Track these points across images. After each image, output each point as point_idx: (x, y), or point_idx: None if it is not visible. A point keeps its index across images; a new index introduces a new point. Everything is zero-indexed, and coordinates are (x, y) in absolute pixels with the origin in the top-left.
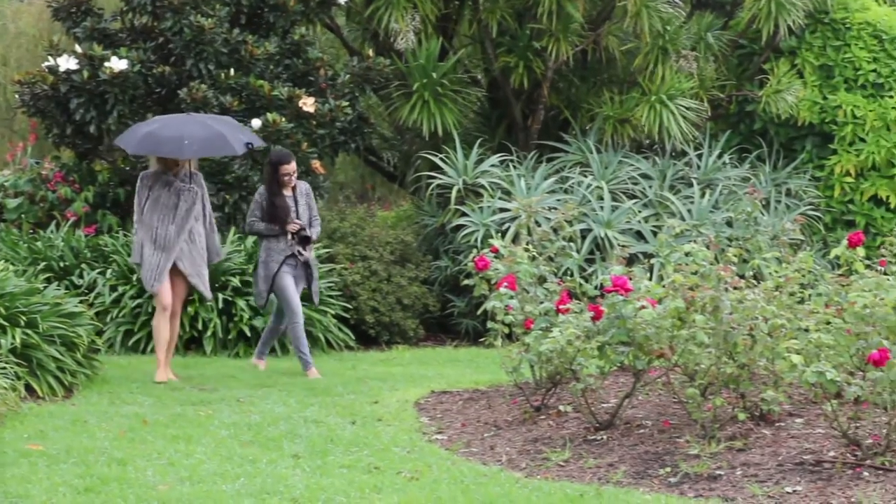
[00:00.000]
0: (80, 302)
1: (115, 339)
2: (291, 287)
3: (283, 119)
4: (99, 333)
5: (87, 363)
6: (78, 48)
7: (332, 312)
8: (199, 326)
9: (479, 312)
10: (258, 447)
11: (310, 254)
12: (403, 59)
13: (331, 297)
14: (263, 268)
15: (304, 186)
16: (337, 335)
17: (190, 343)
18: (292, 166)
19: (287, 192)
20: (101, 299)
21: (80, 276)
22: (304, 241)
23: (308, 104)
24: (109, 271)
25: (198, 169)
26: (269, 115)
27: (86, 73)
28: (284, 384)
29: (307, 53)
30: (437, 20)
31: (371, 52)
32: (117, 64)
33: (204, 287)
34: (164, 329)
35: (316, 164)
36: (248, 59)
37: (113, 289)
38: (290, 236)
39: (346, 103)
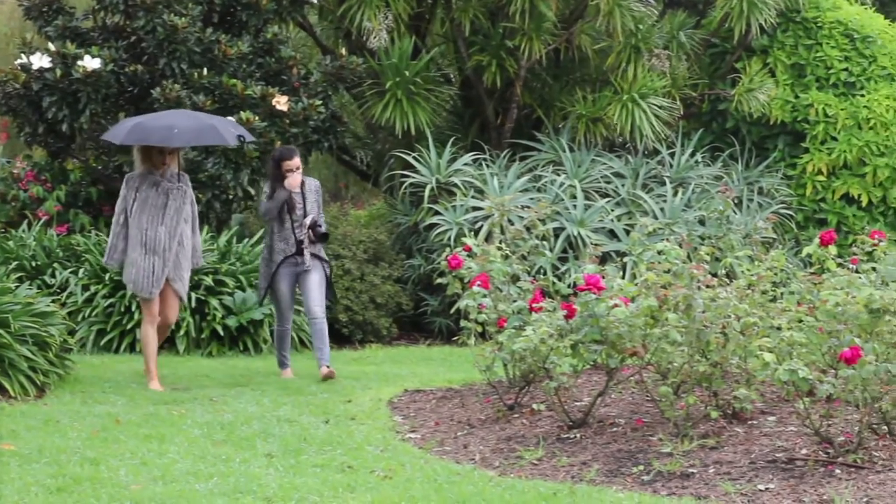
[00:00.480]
0: (53, 301)
1: (88, 338)
2: (285, 293)
3: (257, 118)
4: (71, 333)
5: (60, 363)
6: (51, 46)
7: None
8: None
9: (452, 311)
10: (231, 446)
11: (317, 251)
12: (376, 58)
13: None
14: (265, 265)
15: (313, 183)
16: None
17: (163, 342)
18: (295, 162)
19: (294, 189)
20: (74, 299)
21: (53, 276)
22: (322, 236)
23: (281, 103)
24: (82, 270)
25: (183, 170)
26: (243, 114)
27: (58, 72)
28: (258, 383)
29: (280, 52)
30: (410, 19)
31: (344, 51)
32: (90, 63)
33: (183, 290)
34: (153, 338)
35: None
36: (221, 58)
37: (85, 288)
38: (301, 231)
39: (319, 102)
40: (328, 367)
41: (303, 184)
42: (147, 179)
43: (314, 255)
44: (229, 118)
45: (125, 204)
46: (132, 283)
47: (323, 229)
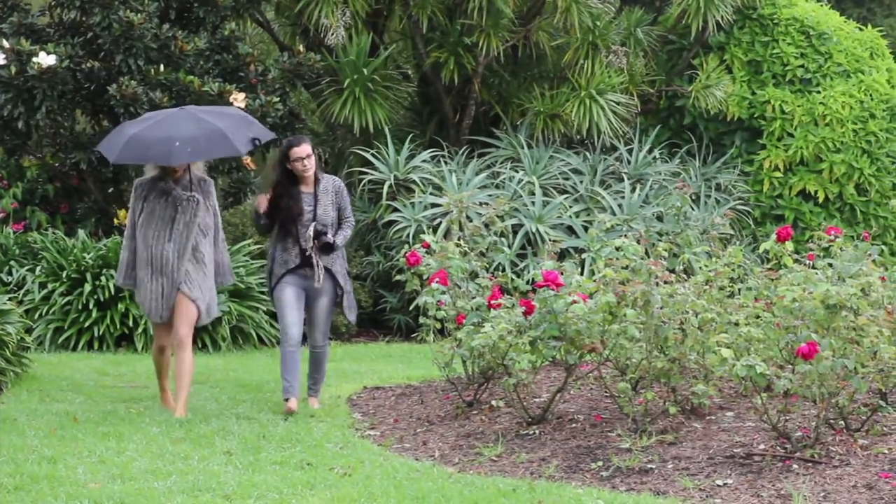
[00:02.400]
0: (9, 299)
1: (45, 336)
2: (288, 302)
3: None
4: (28, 331)
5: (17, 361)
6: (5, 43)
7: (264, 308)
8: (130, 323)
9: (411, 308)
10: (190, 444)
11: (336, 263)
12: (334, 55)
13: (262, 292)
14: (267, 278)
15: (332, 182)
16: (269, 331)
17: (121, 340)
18: (304, 149)
19: (305, 188)
20: (31, 297)
21: (9, 274)
22: (326, 248)
23: (238, 100)
24: (38, 268)
25: (205, 173)
26: None
27: (13, 69)
28: (216, 380)
29: (237, 49)
30: (368, 16)
31: (301, 48)
32: (45, 59)
33: (201, 298)
34: (159, 361)
35: (246, 159)
36: (178, 54)
37: (42, 286)
38: (304, 242)
39: (277, 99)
40: (317, 398)
41: (316, 181)
42: (156, 187)
43: (326, 271)
44: (239, 109)
45: (133, 216)
46: (141, 304)
47: (329, 238)
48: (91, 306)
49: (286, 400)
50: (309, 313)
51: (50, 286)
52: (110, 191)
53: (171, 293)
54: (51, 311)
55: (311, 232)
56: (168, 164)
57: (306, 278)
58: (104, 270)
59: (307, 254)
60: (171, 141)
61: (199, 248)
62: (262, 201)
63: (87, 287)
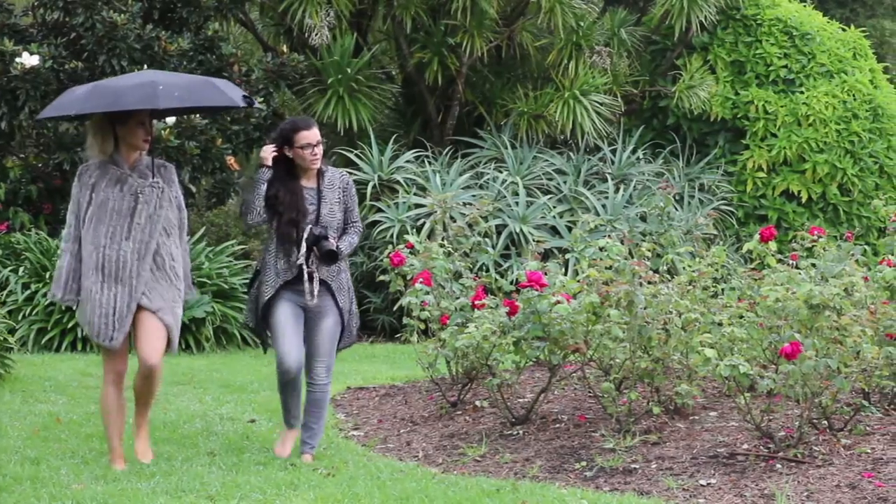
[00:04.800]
0: None
1: (28, 337)
2: (284, 324)
3: (197, 115)
4: (11, 332)
5: (0, 362)
6: None
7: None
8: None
9: (395, 308)
10: (173, 445)
11: (339, 277)
12: (318, 55)
13: (246, 293)
14: (256, 290)
15: (338, 177)
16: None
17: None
18: (314, 133)
19: (306, 182)
20: (14, 297)
21: None
22: (329, 256)
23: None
24: (22, 269)
25: (163, 159)
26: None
27: None
28: (200, 381)
29: (221, 49)
30: (352, 16)
31: (285, 48)
32: (29, 59)
33: (171, 318)
34: (115, 404)
35: (231, 160)
36: (162, 54)
37: (25, 286)
38: (302, 249)
39: (261, 99)
40: (312, 454)
41: (320, 175)
42: (107, 173)
43: (324, 285)
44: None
45: (77, 210)
46: (87, 324)
47: (331, 245)
48: (75, 308)
49: (288, 430)
50: (309, 339)
51: (33, 287)
52: None
53: (127, 306)
54: (34, 312)
55: (305, 235)
56: (154, 106)
57: (303, 294)
58: None
59: (300, 262)
60: (154, 84)
61: (161, 250)
62: (267, 154)
63: None
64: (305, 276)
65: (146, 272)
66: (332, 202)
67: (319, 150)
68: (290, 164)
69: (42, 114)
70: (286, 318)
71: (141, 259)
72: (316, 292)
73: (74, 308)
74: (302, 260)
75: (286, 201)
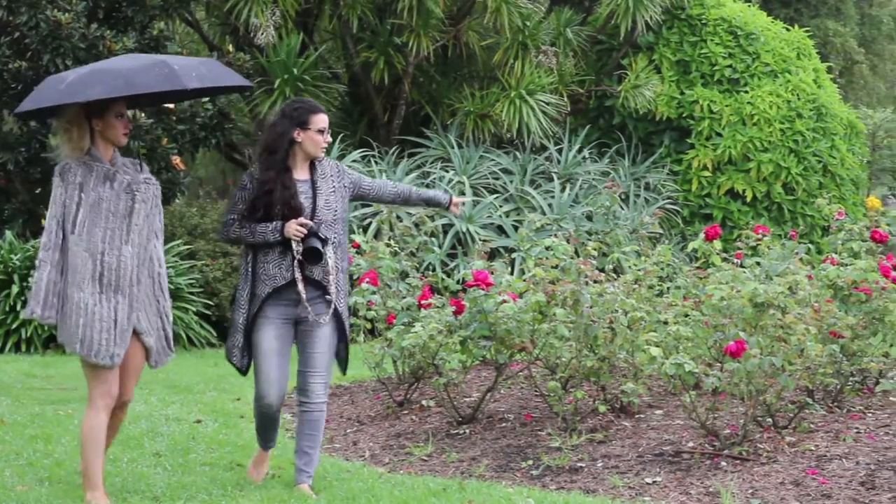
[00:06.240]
0: None
1: None
2: (270, 349)
3: (143, 115)
4: None
5: None
6: None
7: (194, 309)
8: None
9: None
10: (119, 446)
11: (331, 281)
12: (264, 55)
13: (192, 293)
14: (238, 306)
15: (329, 166)
16: (199, 332)
17: (49, 342)
18: (326, 117)
19: (299, 174)
20: None
21: None
22: (311, 255)
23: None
24: None
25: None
26: (129, 112)
27: None
28: (146, 382)
29: (166, 49)
30: (298, 15)
31: (231, 48)
32: None
33: (156, 351)
34: (104, 430)
35: (176, 159)
36: (107, 54)
37: None
38: (293, 248)
39: (206, 99)
40: (310, 485)
41: (312, 167)
42: (94, 170)
43: (319, 288)
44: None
45: (62, 213)
46: (80, 341)
47: (315, 243)
48: (19, 308)
49: (264, 449)
50: (303, 352)
51: None
52: (38, 191)
53: (128, 319)
54: None
55: (292, 229)
56: (179, 87)
57: (299, 303)
58: (32, 272)
59: (298, 259)
60: (166, 64)
61: (154, 256)
62: (293, 230)
63: (15, 289)
64: (298, 276)
65: (145, 278)
66: (327, 194)
67: (329, 136)
68: (284, 154)
69: (22, 107)
70: (273, 344)
71: (140, 264)
72: (304, 290)
73: (54, 324)
74: (299, 256)
75: (282, 197)
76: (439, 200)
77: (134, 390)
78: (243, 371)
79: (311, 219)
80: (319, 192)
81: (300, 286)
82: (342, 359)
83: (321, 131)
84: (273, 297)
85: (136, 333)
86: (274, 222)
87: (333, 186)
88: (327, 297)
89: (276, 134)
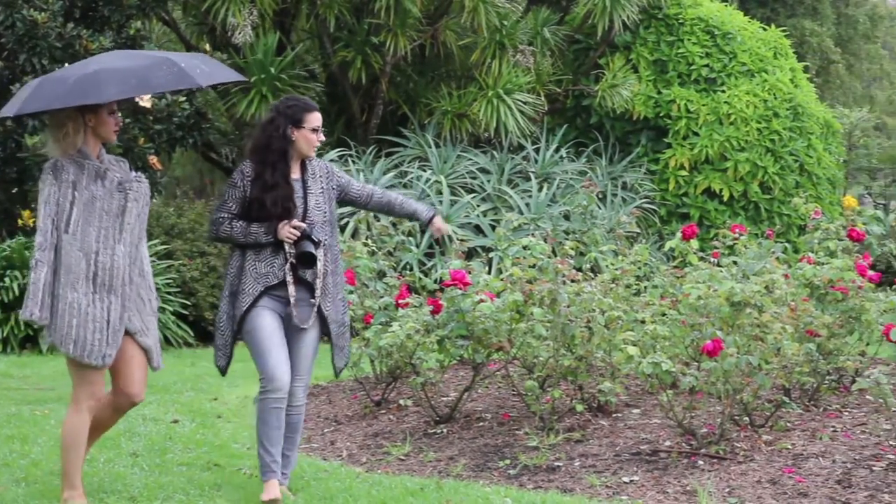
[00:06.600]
0: None
1: None
2: (270, 334)
3: (120, 114)
4: None
5: None
6: None
7: (171, 309)
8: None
9: None
10: (96, 446)
11: (327, 278)
12: (241, 54)
13: (169, 293)
14: (228, 305)
15: (318, 166)
16: (176, 332)
17: (25, 342)
18: (318, 117)
19: (292, 173)
20: None
21: None
22: (304, 259)
23: (144, 99)
24: None
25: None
26: None
27: None
28: None
29: (143, 48)
30: (275, 15)
31: (208, 47)
32: None
33: (157, 352)
34: (86, 433)
35: (153, 159)
36: (83, 53)
37: None
38: (286, 249)
39: (183, 98)
40: (287, 486)
41: (303, 168)
42: (85, 168)
43: (307, 292)
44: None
45: (56, 212)
46: (73, 342)
47: (308, 247)
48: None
49: (265, 481)
50: (290, 355)
51: None
52: (14, 191)
53: (120, 319)
54: None
55: (285, 231)
56: (193, 85)
57: (288, 303)
58: (8, 272)
59: (292, 260)
60: (173, 62)
61: (143, 256)
62: (286, 232)
63: None
64: (290, 279)
65: (136, 277)
66: (317, 194)
67: (321, 135)
68: (280, 152)
69: (24, 108)
70: (271, 329)
71: (132, 263)
72: (294, 292)
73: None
74: (291, 258)
75: (278, 197)
76: (420, 217)
77: (144, 388)
78: (223, 370)
79: (303, 220)
80: (310, 192)
81: (291, 289)
82: (339, 368)
83: (315, 130)
84: (265, 295)
85: (129, 334)
86: (267, 223)
87: (322, 187)
88: (312, 300)
89: (271, 131)
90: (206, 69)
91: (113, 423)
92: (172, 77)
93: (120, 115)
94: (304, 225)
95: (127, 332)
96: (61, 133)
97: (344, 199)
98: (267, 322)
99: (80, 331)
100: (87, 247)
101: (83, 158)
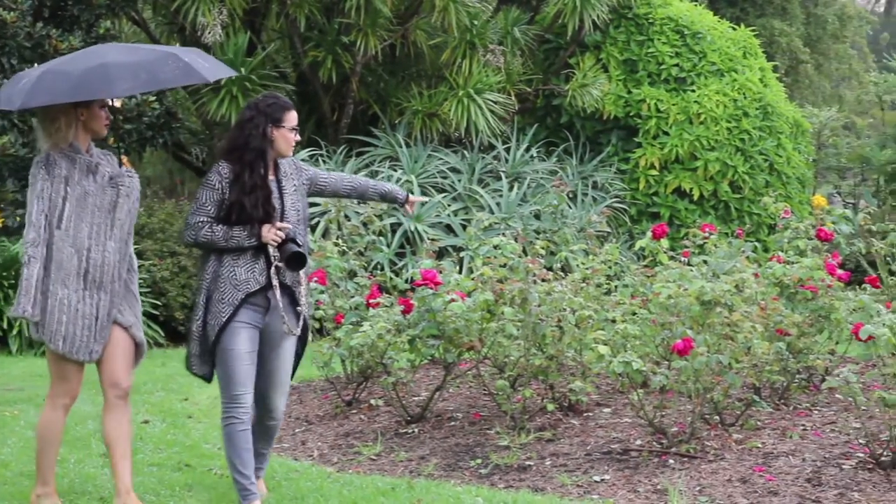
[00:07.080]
0: None
1: None
2: (242, 354)
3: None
4: None
5: None
6: None
7: (142, 309)
8: (5, 325)
9: None
10: (66, 447)
11: (303, 290)
12: (211, 54)
13: (143, 293)
14: (205, 312)
15: (288, 164)
16: (146, 332)
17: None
18: (296, 116)
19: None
20: None
21: None
22: (294, 260)
23: (114, 99)
24: None
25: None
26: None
27: None
28: (93, 382)
29: None
30: (245, 14)
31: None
32: None
33: (139, 331)
34: (59, 429)
35: (123, 159)
36: (53, 53)
37: None
38: (269, 253)
39: (154, 98)
40: (262, 478)
41: (276, 168)
42: (76, 163)
43: (287, 297)
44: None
45: (48, 207)
46: (62, 339)
47: (297, 248)
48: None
49: (249, 497)
50: (264, 365)
51: None
52: None
53: (108, 315)
54: None
55: (270, 235)
56: (200, 81)
57: (268, 311)
58: None
59: (276, 265)
60: (178, 57)
61: (130, 252)
62: (271, 235)
63: None
64: (276, 283)
65: (125, 274)
66: (291, 193)
67: (297, 134)
68: (258, 151)
69: (28, 102)
70: (245, 350)
71: (122, 259)
72: (279, 295)
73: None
74: (276, 262)
75: (259, 197)
76: (395, 196)
77: (131, 377)
78: (208, 378)
79: (281, 219)
80: (285, 192)
81: (277, 293)
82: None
83: (293, 129)
84: (244, 305)
85: (124, 328)
86: (249, 227)
87: (295, 185)
88: (298, 308)
89: (250, 130)
90: (207, 64)
91: (124, 429)
92: (179, 72)
93: (108, 109)
94: (289, 227)
95: (121, 326)
96: (54, 127)
97: (313, 190)
98: (243, 345)
99: (70, 327)
100: (80, 243)
101: (74, 153)
